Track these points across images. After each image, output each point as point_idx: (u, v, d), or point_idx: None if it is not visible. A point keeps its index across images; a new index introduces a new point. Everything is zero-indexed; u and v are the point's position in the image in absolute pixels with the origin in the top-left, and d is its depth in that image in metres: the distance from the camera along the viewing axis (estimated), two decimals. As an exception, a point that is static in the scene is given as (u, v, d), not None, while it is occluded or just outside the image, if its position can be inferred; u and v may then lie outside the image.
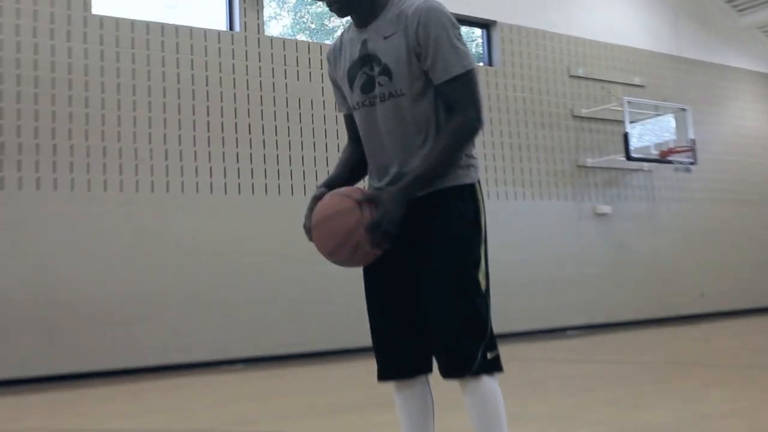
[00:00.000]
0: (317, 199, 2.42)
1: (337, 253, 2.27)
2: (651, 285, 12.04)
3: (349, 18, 2.52)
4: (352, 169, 2.60)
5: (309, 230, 2.36)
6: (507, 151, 11.00)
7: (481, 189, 2.44)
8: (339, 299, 8.82)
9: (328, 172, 9.20)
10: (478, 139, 10.42)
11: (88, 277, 7.65)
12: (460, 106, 2.35)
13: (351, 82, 2.51)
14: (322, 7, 10.62)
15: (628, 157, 11.17)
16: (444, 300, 2.28)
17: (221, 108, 8.72)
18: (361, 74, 2.49)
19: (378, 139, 2.47)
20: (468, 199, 2.41)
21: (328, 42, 10.45)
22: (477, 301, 2.28)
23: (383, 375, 2.43)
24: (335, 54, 2.64)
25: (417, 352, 2.40)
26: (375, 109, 2.46)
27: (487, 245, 2.39)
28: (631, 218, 12.11)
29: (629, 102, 11.44)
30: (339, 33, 11.72)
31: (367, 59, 2.49)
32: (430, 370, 2.42)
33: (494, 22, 11.22)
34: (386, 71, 2.44)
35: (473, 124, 2.33)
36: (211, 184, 8.52)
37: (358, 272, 2.48)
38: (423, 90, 2.40)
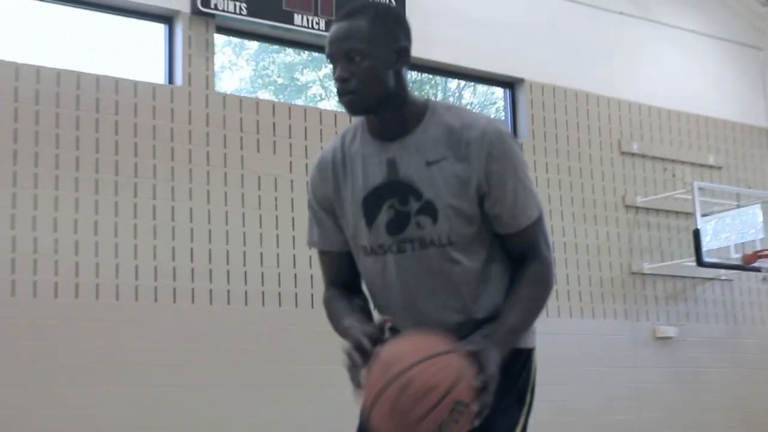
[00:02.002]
0: (363, 351, 2.28)
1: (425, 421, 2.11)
2: (732, 436, 11.78)
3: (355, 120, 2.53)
4: (367, 314, 2.60)
5: (375, 396, 2.16)
6: (537, 251, 10.84)
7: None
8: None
9: (310, 275, 9.03)
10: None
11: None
12: (536, 253, 2.55)
13: (370, 217, 2.51)
14: (293, 56, 10.66)
15: (700, 262, 11.01)
16: None
17: (153, 187, 8.62)
18: (388, 208, 2.49)
19: (403, 298, 2.52)
20: (522, 366, 2.54)
21: (298, 102, 10.41)
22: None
23: None
24: (334, 169, 2.59)
25: None
26: (404, 258, 2.49)
27: (527, 423, 2.49)
28: (705, 344, 11.98)
29: (701, 188, 11.36)
30: (315, 90, 11.55)
31: (397, 188, 2.46)
32: None
33: (521, 80, 11.29)
34: (429, 210, 2.45)
35: (552, 269, 2.54)
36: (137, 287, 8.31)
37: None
38: (475, 239, 2.48)
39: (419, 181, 2.45)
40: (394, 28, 2.56)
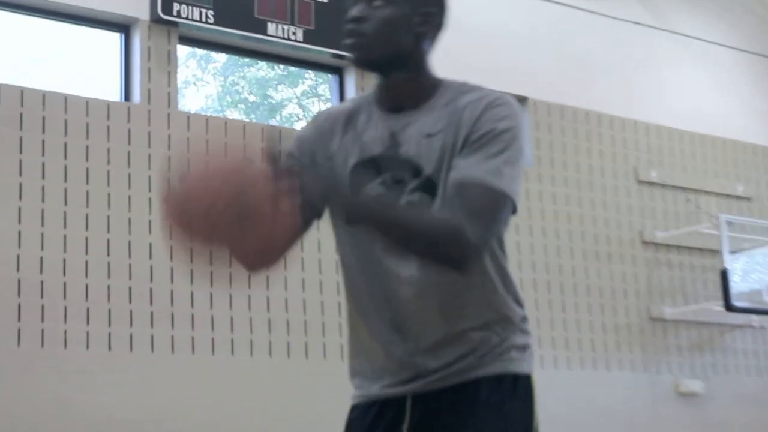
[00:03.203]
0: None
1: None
2: (767, 507, 11.84)
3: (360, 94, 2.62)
4: None
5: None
6: (543, 293, 10.96)
7: None
8: None
9: (304, 321, 9.09)
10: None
11: None
12: (470, 213, 2.42)
13: (355, 186, 2.60)
14: (266, 71, 10.71)
15: (729, 307, 11.13)
16: None
17: (107, 218, 8.66)
18: (379, 184, 2.59)
19: (385, 285, 2.57)
20: (522, 396, 2.53)
21: (273, 123, 10.48)
22: None
23: None
24: (332, 123, 2.72)
25: None
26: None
27: None
28: (736, 401, 11.97)
29: (729, 222, 11.49)
30: (291, 109, 11.64)
31: (393, 163, 2.56)
32: None
33: (524, 99, 11.30)
34: (428, 187, 2.53)
35: (466, 240, 2.39)
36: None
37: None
38: None
39: (419, 155, 2.56)
40: None
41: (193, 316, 8.85)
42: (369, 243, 2.58)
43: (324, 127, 2.71)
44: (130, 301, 8.63)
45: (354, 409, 2.74)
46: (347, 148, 2.63)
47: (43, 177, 8.49)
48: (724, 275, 11.15)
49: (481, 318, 2.57)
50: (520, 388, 2.53)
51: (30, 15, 8.97)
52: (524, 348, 2.58)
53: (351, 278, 2.68)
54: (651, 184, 12.05)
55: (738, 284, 11.37)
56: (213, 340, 8.93)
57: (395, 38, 2.60)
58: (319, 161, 2.70)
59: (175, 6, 8.99)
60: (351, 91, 10.13)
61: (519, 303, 2.67)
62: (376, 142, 2.61)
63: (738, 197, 12.67)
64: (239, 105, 10.82)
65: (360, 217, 2.45)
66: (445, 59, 11.33)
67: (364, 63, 2.62)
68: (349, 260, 2.66)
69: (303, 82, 10.93)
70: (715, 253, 11.67)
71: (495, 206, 2.44)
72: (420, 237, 2.43)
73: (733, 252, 11.40)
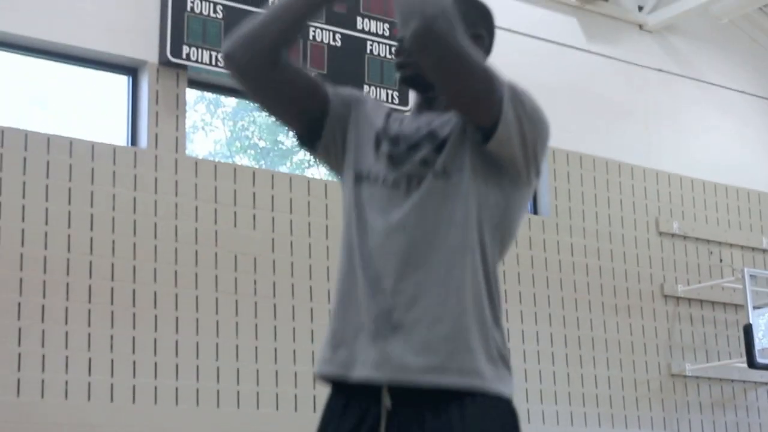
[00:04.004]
0: None
1: None
2: None
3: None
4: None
5: None
6: (560, 348, 10.90)
7: None
8: None
9: (293, 372, 9.02)
10: (514, 329, 10.42)
11: None
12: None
13: (378, 143, 2.78)
14: (277, 116, 10.72)
15: (752, 364, 11.00)
16: None
17: (111, 266, 8.63)
18: (400, 144, 2.75)
19: (382, 238, 2.66)
20: (502, 421, 2.56)
21: (283, 170, 10.46)
22: None
23: None
24: (372, 103, 2.93)
25: None
26: (396, 194, 2.67)
27: None
28: (759, 461, 11.88)
29: (753, 276, 11.41)
30: (302, 155, 11.59)
31: (416, 135, 2.75)
32: None
33: (542, 147, 11.28)
34: (440, 145, 2.69)
35: (484, 74, 2.65)
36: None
37: None
38: (472, 177, 2.65)
39: (442, 129, 2.71)
40: (476, 15, 2.86)
41: (198, 367, 8.79)
42: (366, 199, 2.73)
43: (366, 97, 2.94)
44: (133, 353, 8.58)
45: (329, 401, 2.78)
46: (384, 122, 2.83)
47: (47, 223, 8.48)
48: (747, 331, 11.04)
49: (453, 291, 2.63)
50: (501, 410, 2.60)
51: (35, 57, 8.99)
52: (501, 365, 2.63)
53: (349, 238, 2.75)
54: (672, 235, 12.01)
55: (762, 340, 11.24)
56: (218, 392, 8.89)
57: None
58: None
59: (185, 49, 9.02)
60: (364, 137, 10.10)
61: (498, 321, 2.70)
62: (402, 126, 2.81)
63: (763, 250, 12.63)
64: (249, 150, 10.89)
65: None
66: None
67: (412, 82, 2.84)
68: (349, 218, 2.76)
69: (313, 128, 10.91)
70: (739, 307, 11.63)
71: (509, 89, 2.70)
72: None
73: (756, 307, 11.29)
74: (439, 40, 2.52)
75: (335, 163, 2.89)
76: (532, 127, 2.68)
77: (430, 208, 2.62)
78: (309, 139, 2.88)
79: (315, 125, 2.85)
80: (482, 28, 2.88)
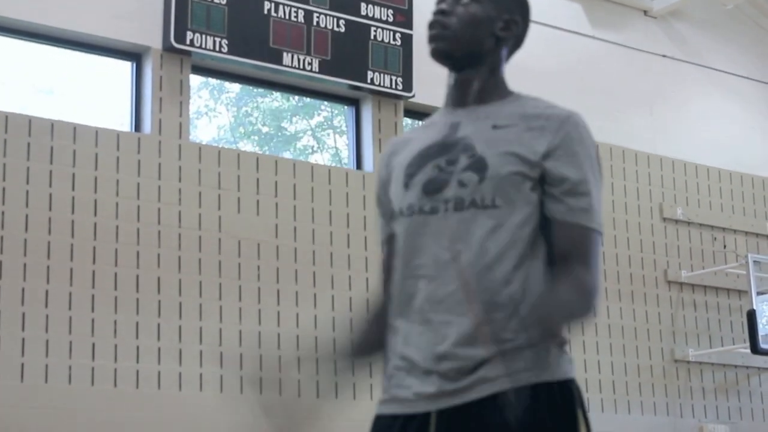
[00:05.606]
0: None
1: None
2: None
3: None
4: (382, 330, 2.76)
5: None
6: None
7: None
8: None
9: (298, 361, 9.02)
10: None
11: None
12: (585, 260, 2.61)
13: (409, 176, 2.69)
14: (280, 101, 10.72)
15: (756, 349, 11.02)
16: None
17: (115, 252, 8.66)
18: (432, 167, 2.66)
19: (428, 267, 2.60)
20: (571, 404, 2.67)
21: (287, 155, 10.46)
22: None
23: None
24: (396, 147, 2.84)
25: None
26: (436, 219, 2.61)
27: None
28: (762, 446, 11.90)
29: (757, 262, 11.43)
30: (306, 141, 11.61)
31: (448, 148, 2.66)
32: None
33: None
34: (479, 167, 2.60)
35: (596, 296, 2.60)
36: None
37: None
38: (525, 205, 2.60)
39: (477, 139, 2.65)
40: (512, 1, 2.86)
41: (201, 352, 8.83)
42: (429, 238, 2.65)
43: (389, 152, 2.86)
44: (136, 337, 8.61)
45: (377, 420, 2.80)
46: (408, 151, 2.74)
47: (50, 209, 8.50)
48: (751, 316, 11.06)
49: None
50: (567, 394, 2.71)
51: (39, 43, 8.99)
52: (562, 350, 2.73)
53: (397, 264, 2.73)
54: (676, 221, 11.99)
55: (765, 326, 11.30)
56: (221, 378, 8.90)
57: (477, 36, 2.75)
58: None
59: (189, 35, 8.98)
60: (367, 124, 10.10)
61: None
62: (435, 134, 2.72)
63: (767, 236, 12.60)
64: (252, 136, 10.82)
65: (551, 329, 2.63)
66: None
67: (442, 55, 2.75)
68: (398, 248, 2.72)
69: (318, 114, 10.90)
70: (743, 293, 11.63)
71: (595, 250, 2.65)
72: (580, 311, 2.65)
73: (760, 293, 11.32)
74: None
75: None
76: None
77: (488, 227, 2.63)
78: None
79: None
80: (517, 14, 2.87)
